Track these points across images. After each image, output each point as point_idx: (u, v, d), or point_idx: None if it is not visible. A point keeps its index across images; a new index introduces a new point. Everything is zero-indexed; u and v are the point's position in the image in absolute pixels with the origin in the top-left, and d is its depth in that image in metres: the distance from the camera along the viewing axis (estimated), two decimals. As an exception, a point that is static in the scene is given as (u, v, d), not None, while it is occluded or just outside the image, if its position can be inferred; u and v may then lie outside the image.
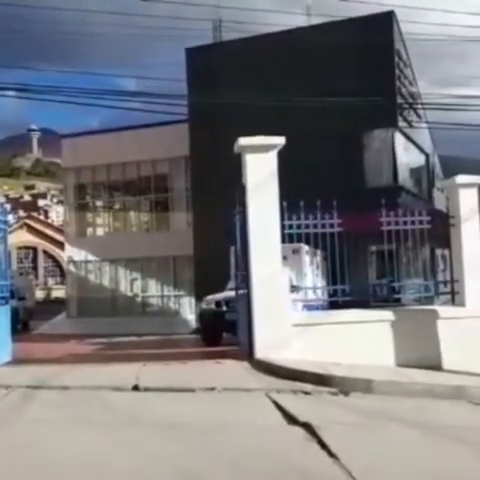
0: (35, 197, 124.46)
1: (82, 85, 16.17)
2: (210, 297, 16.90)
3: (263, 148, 9.51)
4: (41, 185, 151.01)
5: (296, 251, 16.25)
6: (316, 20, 27.89)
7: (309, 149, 20.82)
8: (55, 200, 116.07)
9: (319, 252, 15.09)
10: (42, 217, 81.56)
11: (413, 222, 10.46)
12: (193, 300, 26.92)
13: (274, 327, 9.17)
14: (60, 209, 76.24)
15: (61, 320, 31.79)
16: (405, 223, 10.43)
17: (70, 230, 33.62)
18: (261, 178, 9.45)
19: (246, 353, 9.55)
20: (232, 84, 23.31)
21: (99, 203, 34.59)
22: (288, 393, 7.33)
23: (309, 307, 12.58)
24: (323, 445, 5.00)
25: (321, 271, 18.58)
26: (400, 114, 24.59)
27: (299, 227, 9.95)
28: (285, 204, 9.52)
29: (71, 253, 32.41)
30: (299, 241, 10.33)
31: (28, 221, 63.49)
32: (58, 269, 59.33)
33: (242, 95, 20.06)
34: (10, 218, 33.07)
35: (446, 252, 11.96)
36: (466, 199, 10.36)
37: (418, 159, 28.88)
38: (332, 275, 10.68)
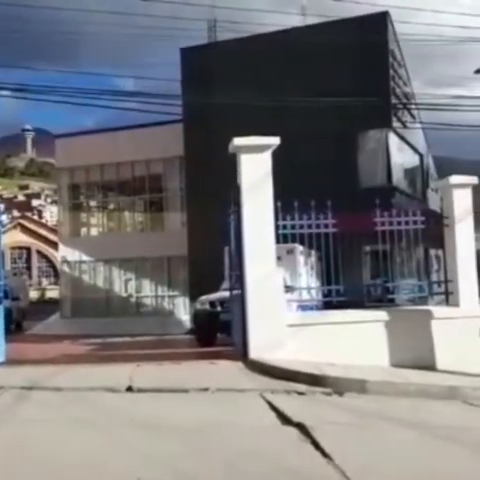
0: (29, 197, 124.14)
1: (78, 85, 16.13)
2: (204, 297, 16.87)
3: (258, 148, 9.51)
4: (35, 185, 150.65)
5: (290, 251, 16.23)
6: (311, 20, 27.95)
7: (303, 149, 20.82)
8: (49, 200, 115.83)
9: (313, 252, 15.08)
10: (36, 217, 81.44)
11: (407, 222, 10.46)
12: (187, 300, 26.87)
13: (268, 327, 9.16)
14: (54, 209, 76.17)
15: (55, 320, 31.70)
16: (399, 223, 10.44)
17: (64, 230, 33.54)
18: (256, 178, 9.44)
19: (240, 353, 9.54)
20: (227, 84, 23.27)
21: (93, 203, 34.52)
22: (282, 393, 7.33)
23: (303, 307, 12.56)
24: (317, 445, 5.00)
25: (315, 271, 18.58)
26: (394, 114, 24.62)
27: (293, 227, 9.94)
28: (280, 204, 9.52)
29: (65, 253, 32.33)
30: (293, 241, 10.31)
31: (22, 221, 63.32)
32: (52, 269, 59.19)
33: (237, 95, 20.03)
34: (4, 218, 32.74)
35: (440, 252, 11.96)
36: (460, 199, 10.38)
37: (412, 159, 28.91)
38: (326, 275, 10.67)
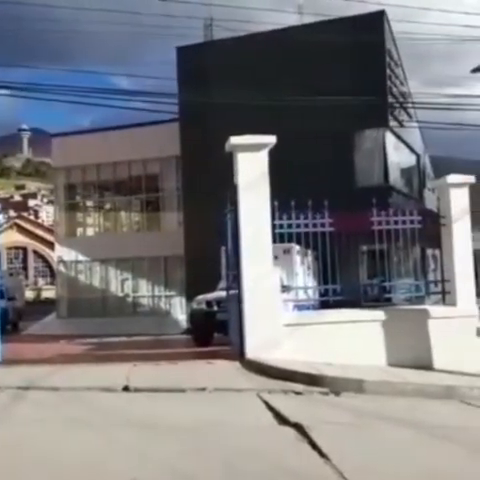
0: (25, 197, 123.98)
1: (73, 83, 16.10)
2: (201, 297, 16.84)
3: (254, 147, 9.49)
4: (31, 185, 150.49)
5: (287, 251, 16.21)
6: (308, 19, 27.97)
7: (300, 148, 20.78)
8: (45, 200, 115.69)
9: (310, 252, 15.07)
10: (32, 217, 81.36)
11: (404, 222, 10.46)
12: (184, 300, 26.83)
13: (265, 327, 9.15)
14: (50, 209, 75.89)
15: (51, 320, 31.63)
16: (396, 223, 10.43)
17: (60, 230, 33.45)
18: (252, 177, 9.43)
19: (237, 353, 9.52)
20: (224, 83, 23.22)
21: (89, 203, 34.48)
22: (279, 393, 7.31)
23: (300, 307, 12.55)
24: (314, 445, 4.98)
25: (312, 271, 18.56)
26: (391, 114, 24.62)
27: (290, 227, 9.93)
28: (276, 203, 9.51)
29: (61, 253, 32.27)
30: (290, 241, 10.30)
31: (18, 221, 63.31)
32: (48, 269, 59.18)
33: (234, 94, 20.01)
34: (0, 218, 32.89)
35: (437, 252, 11.96)
36: (457, 199, 10.38)
37: (409, 159, 28.95)
38: (323, 275, 10.64)
